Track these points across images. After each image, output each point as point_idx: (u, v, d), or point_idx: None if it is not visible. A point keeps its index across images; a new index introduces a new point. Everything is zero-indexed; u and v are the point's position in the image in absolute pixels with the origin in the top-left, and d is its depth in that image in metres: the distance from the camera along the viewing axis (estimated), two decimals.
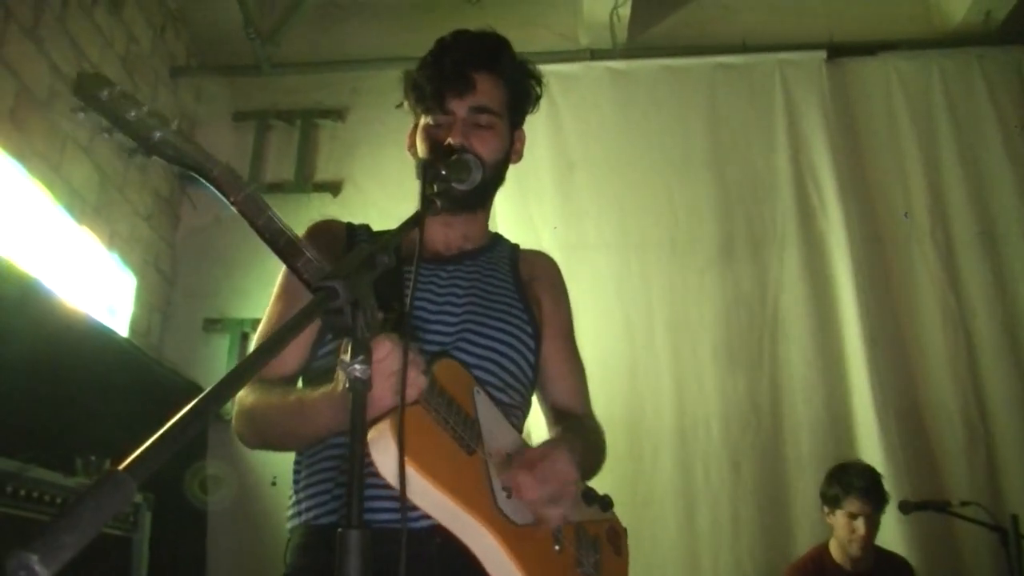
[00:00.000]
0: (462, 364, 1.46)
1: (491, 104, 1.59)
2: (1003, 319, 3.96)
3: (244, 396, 1.48)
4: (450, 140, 1.52)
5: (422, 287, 1.55)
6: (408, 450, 1.21)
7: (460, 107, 1.56)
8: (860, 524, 3.15)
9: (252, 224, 1.27)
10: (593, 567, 1.50)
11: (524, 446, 1.48)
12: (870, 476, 3.24)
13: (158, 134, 1.19)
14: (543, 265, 1.79)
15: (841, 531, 3.22)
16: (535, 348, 1.61)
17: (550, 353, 1.68)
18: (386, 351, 1.18)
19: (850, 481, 3.22)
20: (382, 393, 1.20)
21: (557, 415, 1.69)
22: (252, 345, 1.62)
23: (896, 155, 4.30)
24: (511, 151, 1.68)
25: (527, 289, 1.68)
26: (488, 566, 1.32)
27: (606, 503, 1.60)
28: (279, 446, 1.55)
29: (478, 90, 1.57)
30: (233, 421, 1.50)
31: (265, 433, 1.49)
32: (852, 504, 3.18)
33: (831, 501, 3.25)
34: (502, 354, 1.55)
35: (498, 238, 1.78)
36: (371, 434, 1.28)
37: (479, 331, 1.54)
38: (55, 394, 2.87)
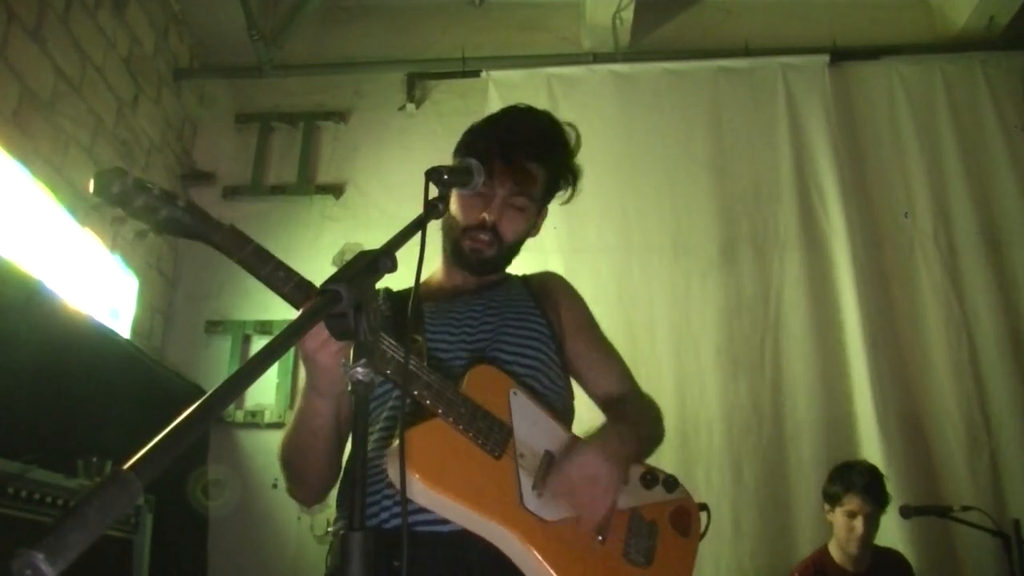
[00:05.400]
0: (499, 367, 1.52)
1: (531, 190, 1.70)
2: (1006, 323, 3.96)
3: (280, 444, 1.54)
4: (485, 215, 1.64)
5: (440, 320, 1.63)
6: (424, 468, 1.28)
7: (504, 185, 1.66)
8: (859, 523, 3.15)
9: (256, 276, 1.37)
10: (643, 555, 1.48)
11: (564, 440, 1.51)
12: (872, 475, 3.23)
13: (163, 213, 1.32)
14: (550, 279, 1.87)
15: (840, 529, 3.21)
16: (557, 351, 1.66)
17: (579, 350, 1.73)
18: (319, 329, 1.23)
19: (852, 479, 3.21)
20: (327, 368, 1.27)
21: (605, 406, 1.72)
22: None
23: (899, 159, 4.30)
24: (533, 228, 1.80)
25: (541, 300, 1.75)
26: (522, 567, 1.35)
27: (671, 483, 1.58)
28: (305, 469, 1.53)
29: (526, 179, 1.68)
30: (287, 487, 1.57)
31: (297, 458, 1.51)
32: (852, 502, 3.17)
33: (832, 498, 3.25)
34: (532, 358, 1.60)
35: (507, 275, 1.85)
36: (388, 453, 1.36)
37: (506, 342, 1.60)
38: (57, 396, 2.87)
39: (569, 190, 1.85)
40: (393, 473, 1.34)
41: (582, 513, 1.40)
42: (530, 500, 1.39)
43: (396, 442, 1.33)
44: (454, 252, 1.70)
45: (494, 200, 1.65)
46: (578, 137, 1.84)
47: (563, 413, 1.63)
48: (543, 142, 1.73)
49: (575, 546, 1.39)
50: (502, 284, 1.79)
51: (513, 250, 1.75)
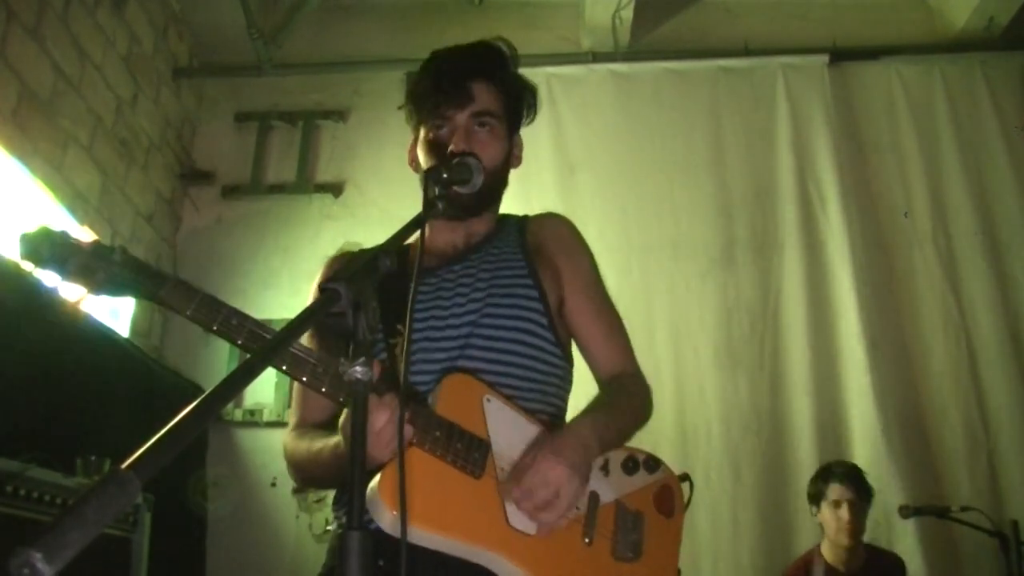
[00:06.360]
0: (470, 373, 1.47)
1: (491, 108, 1.63)
2: (1005, 323, 3.96)
3: (286, 442, 1.56)
4: (452, 148, 1.56)
5: (430, 297, 1.57)
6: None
7: (460, 116, 1.60)
8: (844, 510, 3.18)
9: (208, 330, 1.30)
10: (631, 548, 1.47)
11: (537, 443, 1.45)
12: (850, 466, 3.33)
13: (100, 274, 1.26)
14: (551, 227, 1.77)
15: (829, 524, 3.24)
16: (548, 324, 1.60)
17: (577, 314, 1.66)
18: (373, 406, 1.22)
19: (830, 471, 3.30)
20: (370, 451, 1.23)
21: (597, 378, 1.68)
22: (290, 420, 1.65)
23: (898, 159, 4.30)
24: (511, 155, 1.71)
25: (537, 257, 1.67)
26: None
27: (651, 464, 1.56)
28: (323, 486, 1.58)
29: (477, 99, 1.61)
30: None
31: (305, 477, 1.56)
32: (833, 491, 3.23)
33: (815, 497, 3.31)
34: (517, 341, 1.55)
35: (504, 219, 1.77)
36: (368, 495, 1.29)
37: (489, 324, 1.54)
38: (56, 394, 2.87)
39: (532, 111, 1.75)
40: (376, 517, 1.30)
41: (545, 521, 1.37)
42: (515, 517, 1.37)
43: (376, 479, 1.30)
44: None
45: (457, 129, 1.59)
46: (516, 54, 1.71)
47: (547, 398, 1.58)
48: (486, 59, 1.66)
49: (564, 556, 1.39)
50: (496, 236, 1.70)
51: (496, 179, 1.65)
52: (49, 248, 1.25)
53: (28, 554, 0.50)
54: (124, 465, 0.58)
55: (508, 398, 1.48)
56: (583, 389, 1.68)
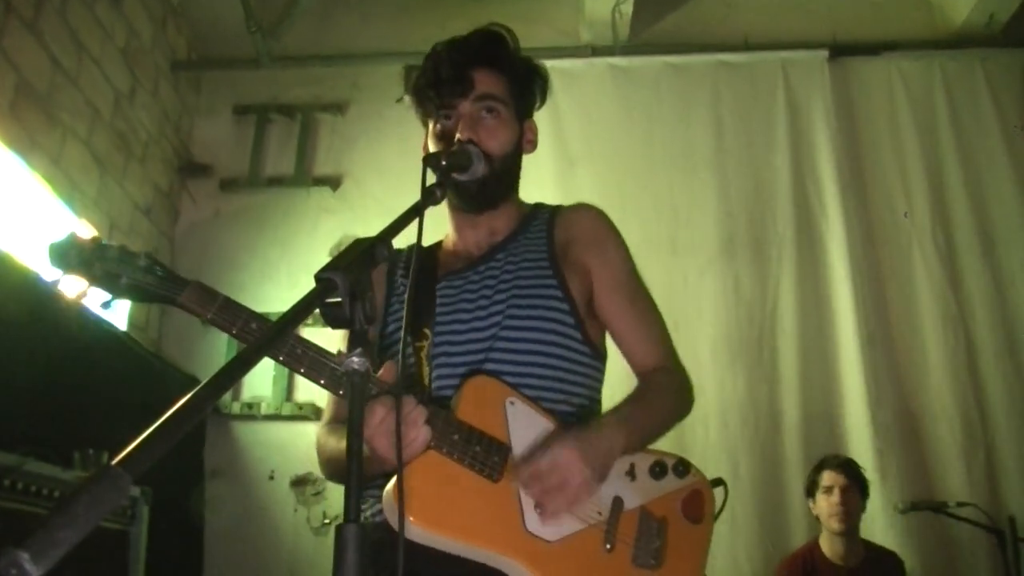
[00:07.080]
0: (493, 375, 1.45)
1: (494, 91, 1.61)
2: (1003, 321, 3.96)
3: (318, 435, 1.56)
4: (458, 136, 1.54)
5: (454, 300, 1.56)
6: (419, 510, 1.24)
7: (464, 104, 1.58)
8: (835, 495, 3.24)
9: (228, 333, 1.32)
10: (653, 556, 1.42)
11: (557, 434, 1.42)
12: (844, 457, 3.40)
13: (124, 279, 1.29)
14: (580, 222, 1.71)
15: (822, 511, 3.28)
16: (575, 323, 1.56)
17: (608, 310, 1.63)
18: (380, 416, 1.23)
19: (825, 460, 3.38)
20: (386, 453, 1.25)
21: (635, 372, 1.64)
22: (324, 414, 1.65)
23: (897, 155, 4.29)
24: (522, 141, 1.69)
25: (564, 258, 1.63)
26: None
27: (681, 469, 1.50)
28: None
29: (478, 84, 1.59)
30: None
31: (333, 471, 1.56)
32: (826, 478, 3.30)
33: (811, 487, 3.37)
34: (542, 342, 1.52)
35: (534, 212, 1.74)
36: (384, 496, 1.32)
37: (514, 326, 1.52)
38: (54, 388, 2.86)
39: (543, 94, 1.73)
40: (391, 519, 1.30)
41: (543, 506, 1.34)
42: (532, 522, 1.34)
43: (389, 486, 1.30)
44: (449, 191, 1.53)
45: (462, 118, 1.57)
46: (515, 40, 1.69)
47: (573, 397, 1.54)
48: (485, 45, 1.64)
49: (582, 562, 1.36)
50: (521, 233, 1.67)
51: (507, 165, 1.63)
52: (77, 255, 1.28)
53: (15, 555, 0.49)
54: (115, 461, 0.58)
55: (533, 400, 1.46)
56: (615, 381, 1.65)
